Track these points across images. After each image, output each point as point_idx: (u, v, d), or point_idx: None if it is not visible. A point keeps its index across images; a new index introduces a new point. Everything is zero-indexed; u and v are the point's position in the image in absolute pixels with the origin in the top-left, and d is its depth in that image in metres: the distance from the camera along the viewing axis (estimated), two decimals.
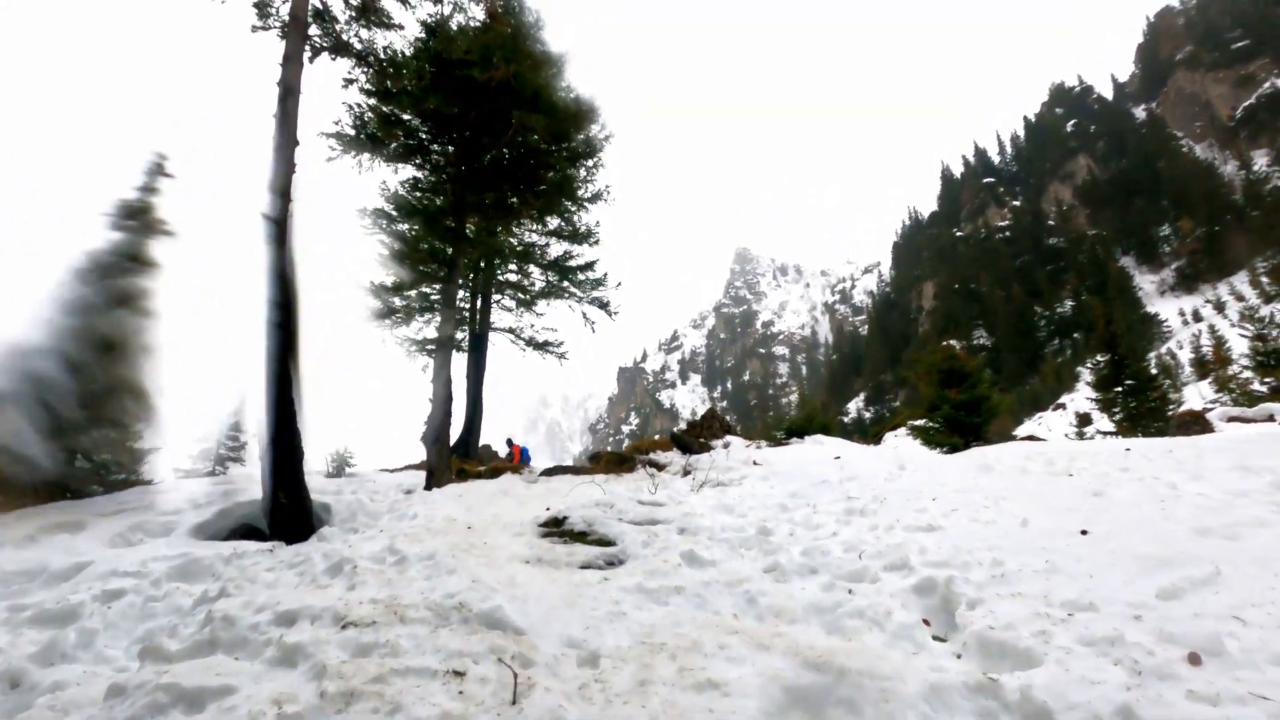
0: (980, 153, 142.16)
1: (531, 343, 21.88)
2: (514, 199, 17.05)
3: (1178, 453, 6.45)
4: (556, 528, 5.47)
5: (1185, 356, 70.44)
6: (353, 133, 11.98)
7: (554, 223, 20.44)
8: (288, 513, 6.03)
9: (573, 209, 19.65)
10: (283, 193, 6.26)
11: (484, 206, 13.37)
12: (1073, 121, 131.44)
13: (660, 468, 10.46)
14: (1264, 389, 39.58)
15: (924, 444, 12.42)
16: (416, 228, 13.09)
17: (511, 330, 21.78)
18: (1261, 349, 41.02)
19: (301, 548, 5.43)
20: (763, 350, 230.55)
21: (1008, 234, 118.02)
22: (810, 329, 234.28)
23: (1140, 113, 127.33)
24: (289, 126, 6.62)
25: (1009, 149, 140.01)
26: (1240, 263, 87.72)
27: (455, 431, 21.66)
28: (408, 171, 13.83)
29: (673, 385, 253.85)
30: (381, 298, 18.91)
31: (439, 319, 12.24)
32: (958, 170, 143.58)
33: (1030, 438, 12.75)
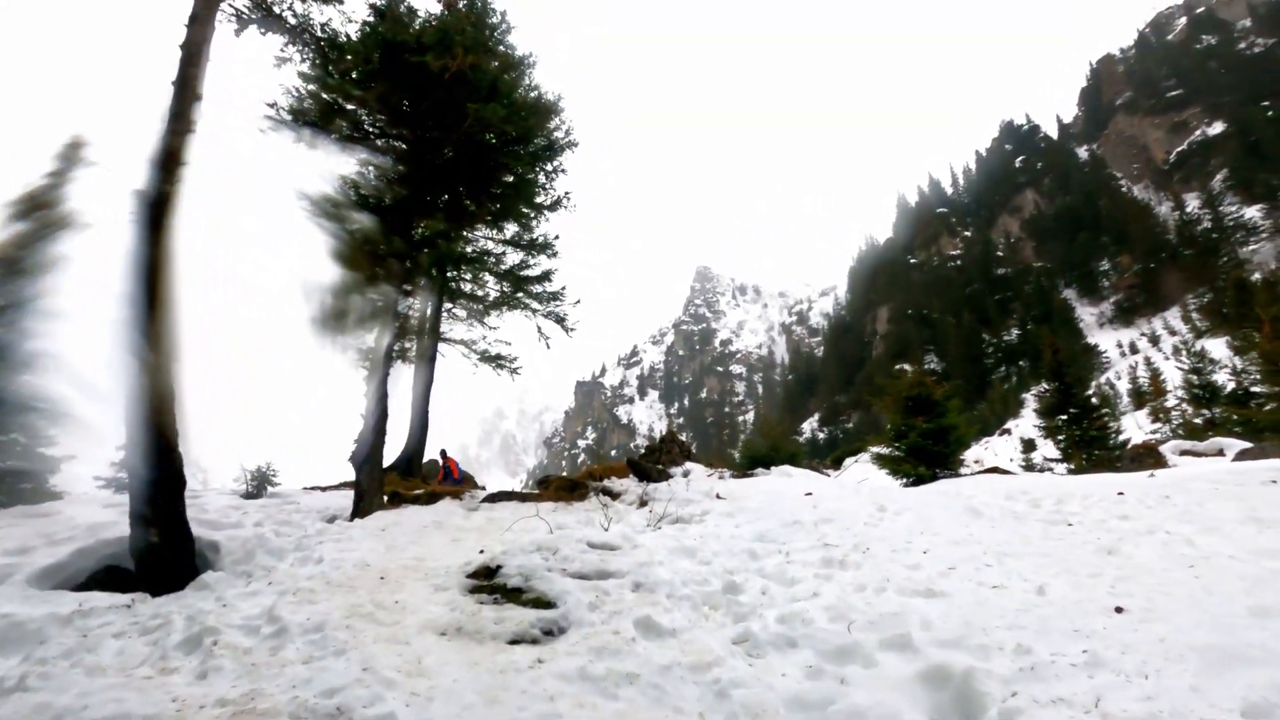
0: (934, 184, 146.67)
1: (484, 356, 20.80)
2: (469, 201, 16.04)
3: (1176, 499, 5.94)
4: (487, 580, 4.58)
5: (1123, 387, 72.94)
6: (290, 117, 10.94)
7: (511, 230, 19.53)
8: (159, 554, 4.94)
9: (531, 216, 18.78)
10: (164, 166, 5.24)
11: (436, 207, 12.40)
12: (1021, 158, 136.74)
13: (615, 496, 9.61)
14: (1199, 421, 40.95)
15: (890, 473, 11.88)
16: (361, 224, 12.01)
17: (463, 342, 20.69)
18: (1196, 383, 42.54)
19: (168, 603, 4.38)
20: (720, 368, 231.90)
21: (959, 263, 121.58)
22: (767, 349, 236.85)
23: (1083, 152, 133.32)
24: (185, 94, 5.63)
25: (961, 181, 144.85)
26: (1174, 298, 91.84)
27: (397, 449, 20.36)
28: (355, 162, 12.79)
29: (631, 401, 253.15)
30: (323, 300, 17.59)
31: (380, 326, 11.19)
32: (913, 200, 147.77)
33: (994, 470, 12.36)
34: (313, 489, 13.49)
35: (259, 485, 11.99)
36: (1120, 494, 6.22)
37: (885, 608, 3.83)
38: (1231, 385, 40.58)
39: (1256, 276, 72.52)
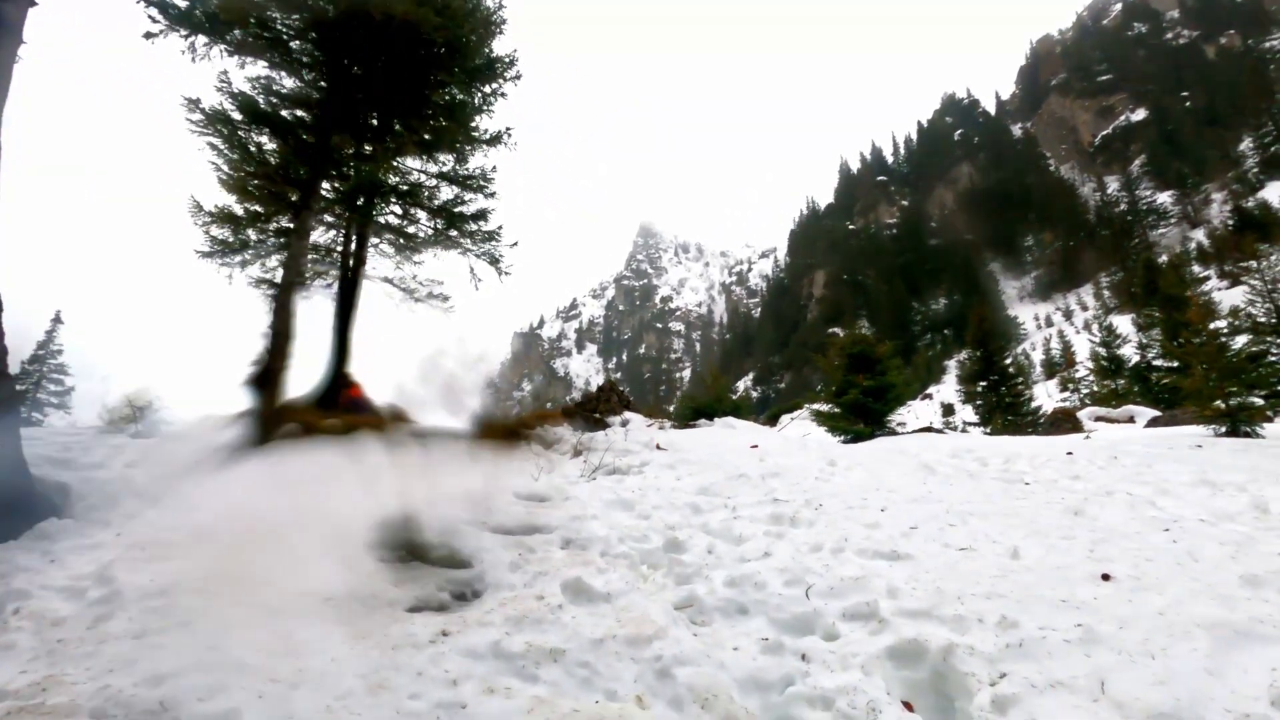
0: (876, 152, 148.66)
1: (412, 294, 19.57)
2: (397, 123, 14.66)
3: (1123, 460, 5.82)
4: (396, 533, 3.93)
5: (1037, 358, 77.03)
6: (181, 13, 9.43)
7: (446, 163, 18.18)
8: None
9: (468, 148, 17.49)
10: None
11: (357, 126, 11.14)
12: (959, 131, 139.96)
13: (549, 445, 9.02)
14: (1103, 390, 43.64)
15: (829, 430, 11.76)
16: (265, 141, 10.63)
17: (389, 280, 19.37)
18: (1104, 355, 45.22)
19: None
20: (660, 325, 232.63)
21: (895, 231, 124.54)
22: (707, 307, 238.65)
23: (1018, 130, 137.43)
24: None
25: (902, 150, 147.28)
26: (1088, 276, 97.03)
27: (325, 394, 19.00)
28: (260, 68, 11.32)
29: (569, 353, 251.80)
30: (220, 226, 16.04)
31: (286, 258, 10.04)
32: (855, 166, 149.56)
33: (929, 429, 12.45)
34: (209, 418, 12.30)
35: (132, 415, 10.64)
36: (1069, 454, 6.07)
37: (845, 571, 3.40)
38: (1136, 358, 43.30)
39: (1163, 259, 77.28)
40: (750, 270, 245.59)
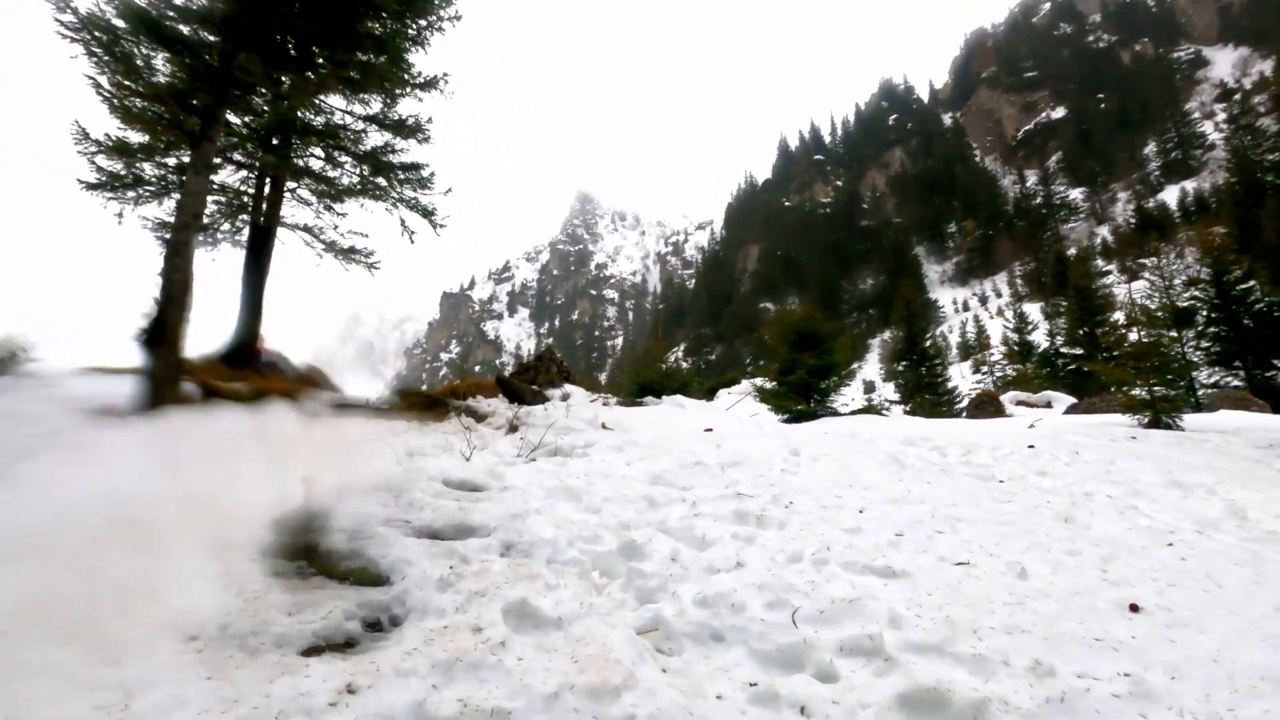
0: (815, 131, 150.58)
1: (333, 247, 18.00)
2: (319, 53, 13.17)
3: (1085, 456, 5.67)
4: (299, 536, 3.20)
5: (954, 340, 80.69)
6: None
7: (375, 105, 16.64)
8: None
9: (399, 90, 16.05)
10: None
11: (270, 49, 9.79)
12: (894, 116, 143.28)
13: (481, 418, 8.27)
14: (1013, 373, 45.99)
15: (772, 408, 11.51)
16: (156, 58, 9.14)
17: (308, 229, 17.75)
18: (1016, 340, 47.56)
19: None
20: (594, 292, 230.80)
21: (828, 210, 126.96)
22: (642, 276, 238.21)
23: (948, 119, 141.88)
24: None
25: (840, 131, 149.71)
26: (1004, 264, 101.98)
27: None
28: None
29: (500, 317, 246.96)
30: (110, 157, 14.19)
31: (185, 193, 8.74)
32: (794, 144, 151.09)
33: (868, 410, 12.41)
34: (95, 370, 10.78)
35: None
36: (1031, 447, 5.89)
37: (834, 590, 2.95)
38: (1045, 344, 45.76)
39: (1072, 252, 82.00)
40: (686, 241, 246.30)
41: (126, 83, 8.31)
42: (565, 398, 8.66)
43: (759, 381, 13.30)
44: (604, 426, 6.71)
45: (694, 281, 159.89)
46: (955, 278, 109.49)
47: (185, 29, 8.73)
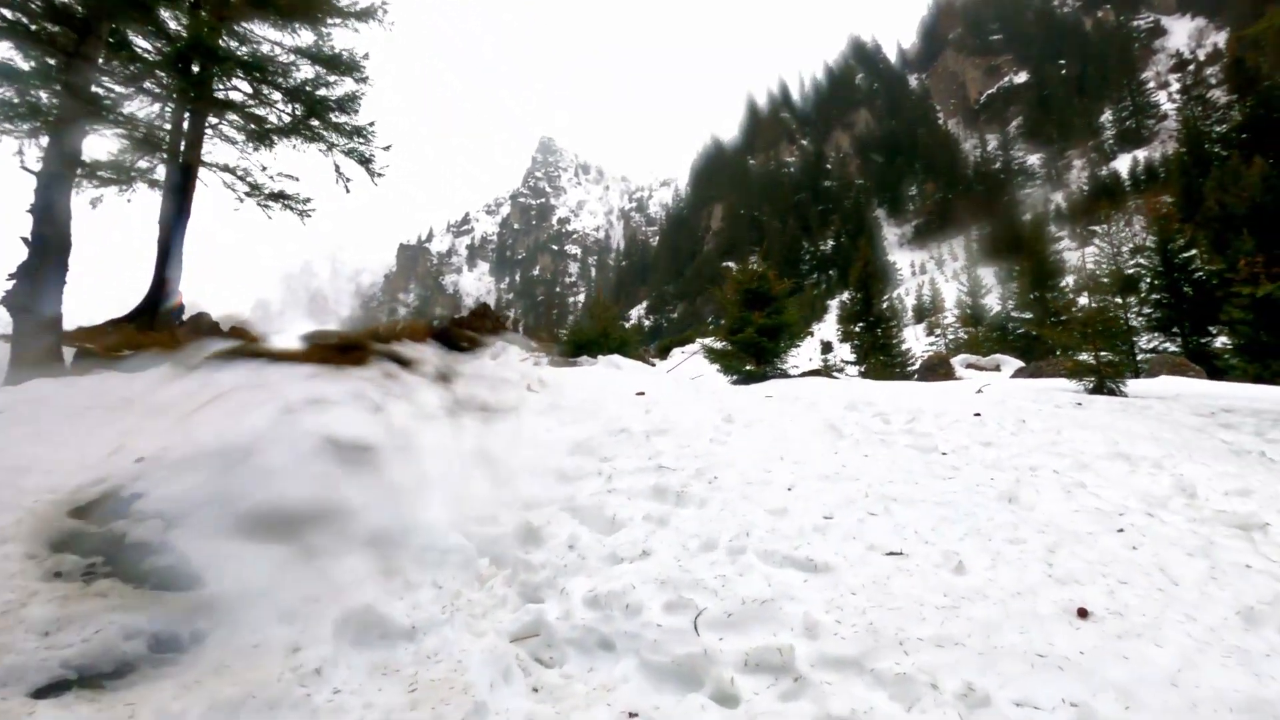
0: (783, 89, 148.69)
1: (259, 190, 16.68)
2: None
3: (1031, 424, 5.39)
4: (99, 524, 2.62)
5: (909, 302, 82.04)
6: None
7: (305, 36, 15.25)
8: None
9: (331, 19, 14.72)
10: None
11: None
12: (862, 75, 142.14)
13: (407, 365, 7.65)
14: (965, 336, 46.85)
15: (721, 369, 11.14)
16: None
17: (230, 169, 16.37)
18: (969, 304, 48.36)
19: None
20: (556, 247, 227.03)
21: (793, 170, 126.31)
22: (605, 232, 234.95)
23: (914, 81, 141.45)
24: None
25: (809, 90, 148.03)
26: (960, 228, 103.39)
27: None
28: None
29: (459, 270, 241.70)
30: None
31: (60, 119, 7.71)
32: (762, 102, 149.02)
33: (820, 371, 12.18)
34: None
35: None
36: (978, 415, 5.59)
37: (747, 588, 2.53)
38: (997, 308, 46.62)
39: (1027, 217, 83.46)
40: (650, 198, 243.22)
41: None
42: (498, 354, 8.07)
43: (709, 341, 12.89)
44: (532, 387, 6.19)
45: (657, 239, 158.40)
46: (913, 240, 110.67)
47: None
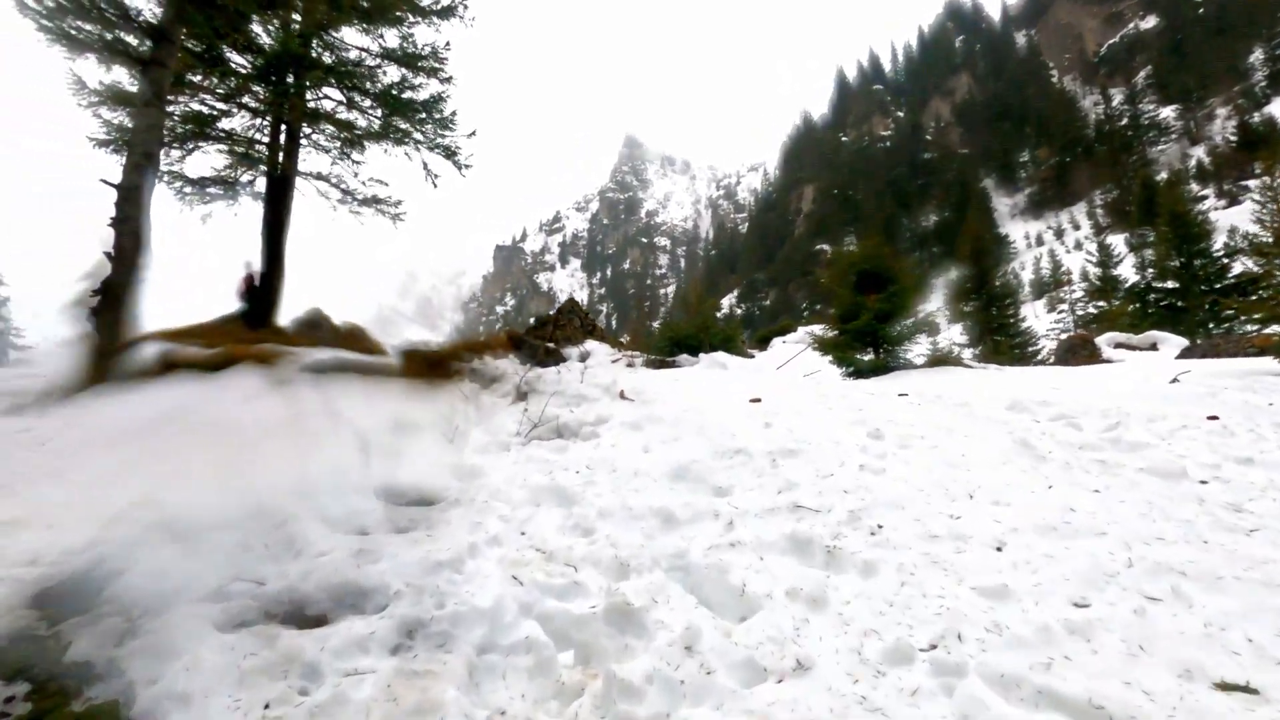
0: (874, 60, 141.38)
1: (353, 196, 16.76)
2: None
3: (1268, 435, 3.94)
4: (50, 627, 1.92)
5: (1026, 277, 75.94)
6: None
7: (390, 39, 15.11)
8: None
9: (414, 18, 14.47)
10: None
11: None
12: (961, 38, 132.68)
13: (488, 382, 7.02)
14: (1095, 311, 42.47)
15: (834, 361, 9.86)
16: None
17: (324, 177, 16.53)
18: (1099, 275, 43.65)
19: None
20: (645, 240, 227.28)
21: (888, 144, 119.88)
22: (693, 222, 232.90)
23: (1021, 38, 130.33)
24: None
25: (901, 59, 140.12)
26: (1082, 194, 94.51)
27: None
28: None
29: (552, 268, 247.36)
30: (112, 107, 13.21)
31: (136, 127, 7.54)
32: (853, 76, 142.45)
33: (945, 360, 10.62)
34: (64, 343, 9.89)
35: None
36: (1214, 418, 4.18)
37: None
38: (1134, 278, 41.87)
39: (1162, 176, 74.87)
40: (738, 185, 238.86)
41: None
42: (584, 357, 7.24)
43: (817, 329, 11.61)
44: (622, 396, 5.30)
45: (746, 225, 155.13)
46: (1027, 210, 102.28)
47: None
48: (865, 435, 3.99)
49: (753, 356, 11.01)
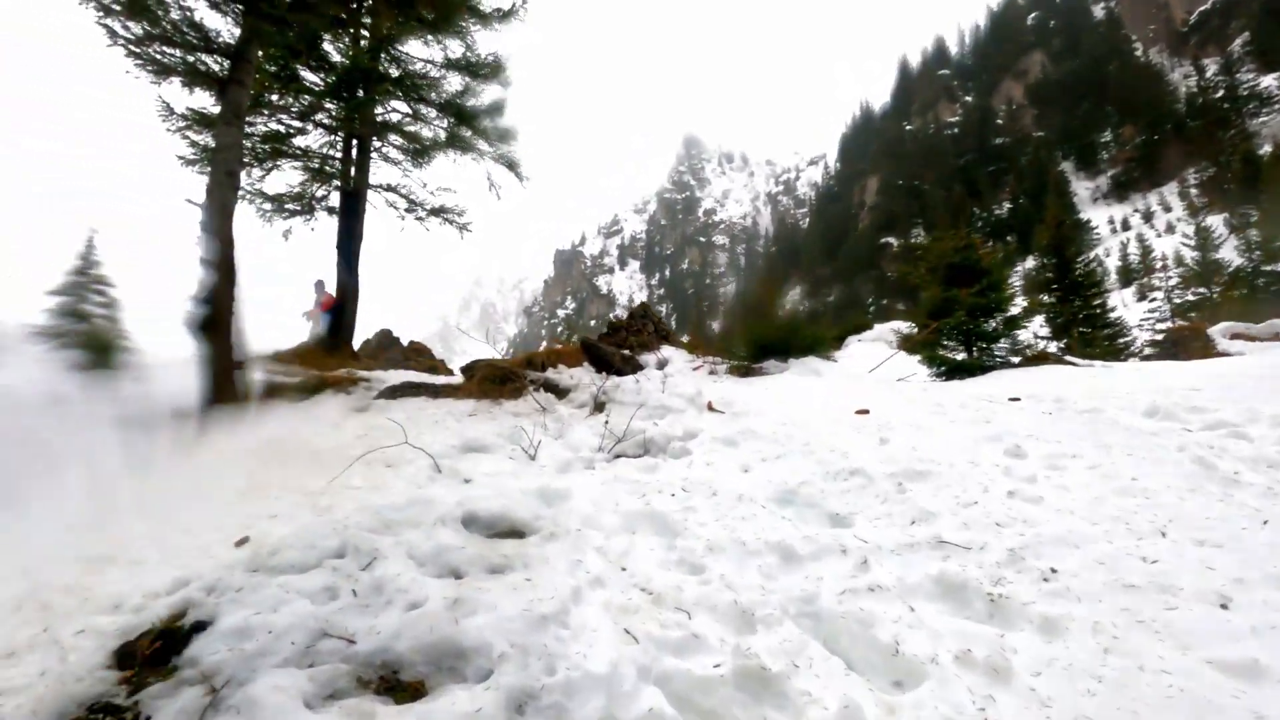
0: (939, 44, 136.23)
1: (420, 207, 17.00)
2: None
3: None
4: (128, 695, 1.73)
5: (1112, 264, 71.67)
6: None
7: (454, 49, 15.24)
8: None
9: (475, 25, 14.54)
10: None
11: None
12: (1034, 15, 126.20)
13: (562, 394, 6.78)
14: (1193, 298, 39.43)
15: (925, 361, 9.20)
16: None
17: (392, 188, 16.82)
18: (1197, 260, 40.42)
19: None
20: (703, 239, 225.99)
21: (955, 131, 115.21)
22: (752, 219, 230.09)
23: (1099, 10, 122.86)
24: None
25: (968, 41, 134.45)
26: (1172, 174, 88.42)
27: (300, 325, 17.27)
28: None
29: (611, 270, 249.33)
30: (198, 130, 13.73)
31: (217, 146, 7.66)
32: (915, 62, 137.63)
33: (1044, 356, 9.75)
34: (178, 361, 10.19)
35: (100, 356, 8.49)
36: None
37: None
38: (1239, 262, 38.69)
39: (1265, 150, 68.97)
40: (798, 179, 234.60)
41: (136, 27, 7.21)
42: (662, 365, 6.91)
43: (896, 325, 10.93)
44: (710, 408, 4.94)
45: (808, 220, 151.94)
46: (1111, 193, 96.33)
47: None
48: (1003, 453, 3.50)
49: (834, 359, 10.45)
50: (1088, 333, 24.61)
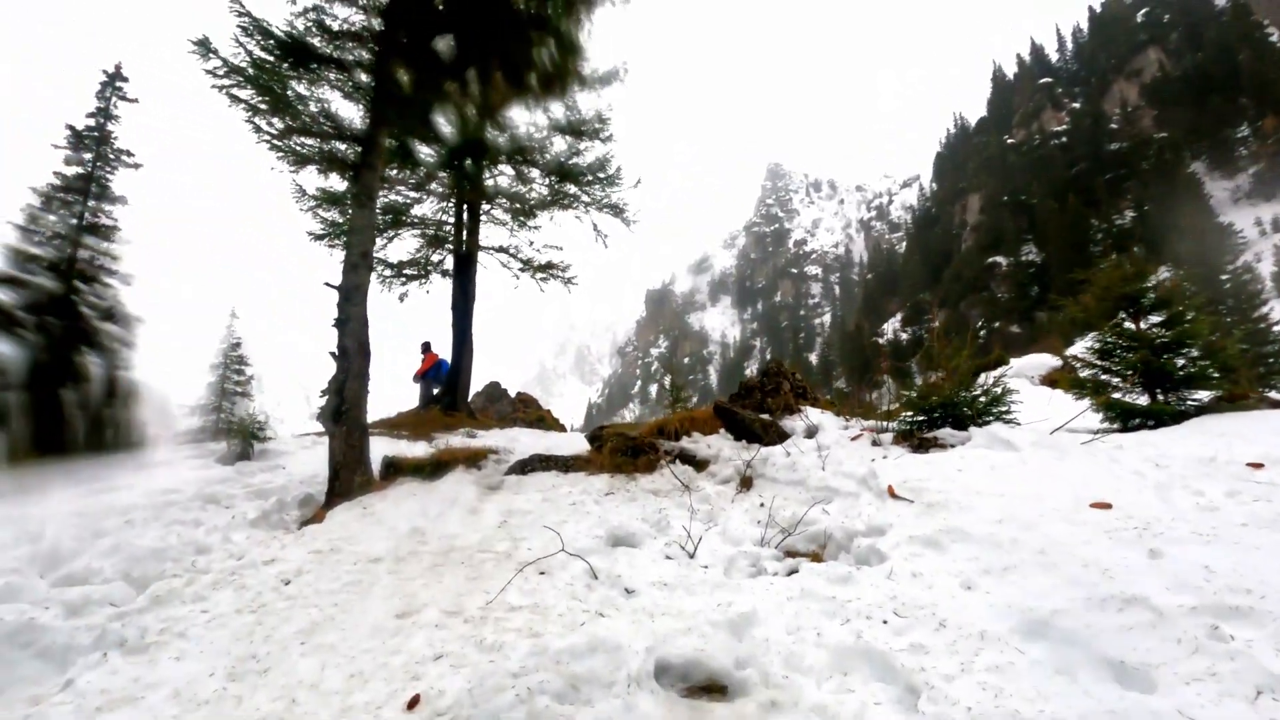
0: (1037, 50, 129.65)
1: (529, 265, 17.34)
2: (501, 71, 12.24)
3: None
4: None
5: (1265, 270, 64.51)
6: None
7: (555, 112, 15.65)
8: None
9: (578, 88, 14.88)
10: None
11: (424, 54, 8.78)
12: (1144, 10, 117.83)
13: (701, 466, 6.30)
14: None
15: (1101, 409, 8.02)
16: (300, 85, 8.28)
17: (504, 249, 17.29)
18: None
19: None
20: (795, 270, 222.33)
21: (1063, 140, 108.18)
22: (844, 247, 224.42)
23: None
24: None
25: (1070, 44, 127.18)
26: None
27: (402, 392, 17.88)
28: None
29: (702, 308, 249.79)
30: (327, 208, 14.63)
31: (351, 229, 7.89)
32: (1011, 71, 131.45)
33: (1242, 395, 8.29)
34: (315, 436, 10.54)
35: (244, 446, 8.88)
36: None
37: None
38: None
39: None
40: (891, 203, 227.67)
41: (279, 122, 7.59)
42: (812, 433, 6.27)
43: (1046, 360, 9.68)
44: (892, 494, 4.29)
45: (904, 245, 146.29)
46: (1254, 192, 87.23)
47: (330, 49, 7.82)
48: None
49: (1017, 421, 9.40)
50: (1247, 349, 21.67)
